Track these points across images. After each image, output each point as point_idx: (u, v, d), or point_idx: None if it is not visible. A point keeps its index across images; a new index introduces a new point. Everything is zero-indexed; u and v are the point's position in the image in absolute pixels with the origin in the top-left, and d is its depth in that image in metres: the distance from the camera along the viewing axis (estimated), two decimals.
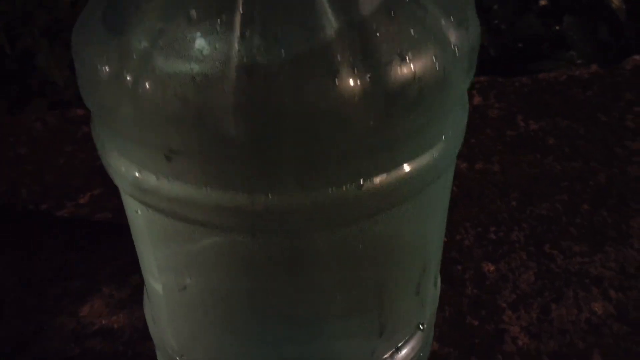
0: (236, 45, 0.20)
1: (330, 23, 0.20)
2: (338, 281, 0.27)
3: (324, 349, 0.29)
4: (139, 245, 0.29)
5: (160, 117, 0.21)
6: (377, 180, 0.23)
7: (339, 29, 0.20)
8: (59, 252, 0.46)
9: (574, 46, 0.68)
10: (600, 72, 0.61)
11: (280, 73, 0.20)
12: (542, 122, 0.56)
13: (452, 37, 0.22)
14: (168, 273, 0.28)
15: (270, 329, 0.28)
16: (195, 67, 0.20)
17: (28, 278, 0.44)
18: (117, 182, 0.26)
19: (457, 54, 0.22)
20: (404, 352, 0.32)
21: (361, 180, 0.23)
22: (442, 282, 0.36)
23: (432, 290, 0.33)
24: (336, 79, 0.20)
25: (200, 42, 0.20)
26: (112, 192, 0.26)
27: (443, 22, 0.22)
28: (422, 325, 0.33)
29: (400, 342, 0.32)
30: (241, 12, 0.20)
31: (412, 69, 0.21)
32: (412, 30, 0.21)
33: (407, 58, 0.21)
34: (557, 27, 0.70)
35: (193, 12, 0.20)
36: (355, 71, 0.20)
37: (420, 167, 0.24)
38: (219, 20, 0.20)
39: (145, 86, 0.21)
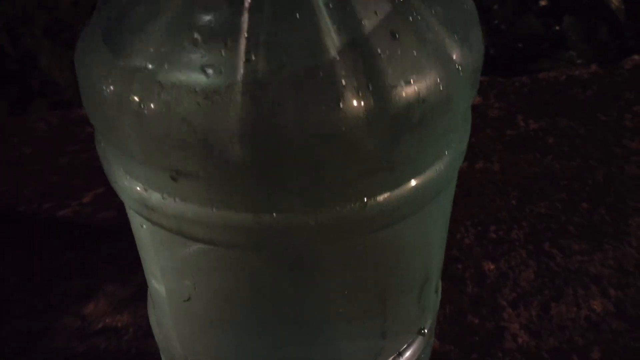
0: (241, 70, 0.20)
1: (335, 47, 0.20)
2: (341, 292, 0.27)
3: (326, 355, 0.30)
4: (143, 254, 0.29)
5: (165, 141, 0.21)
6: (381, 198, 0.23)
7: (344, 53, 0.20)
8: (62, 251, 0.46)
9: (573, 46, 0.68)
10: (600, 71, 0.62)
11: (285, 97, 0.20)
12: (541, 121, 0.56)
13: (456, 56, 0.22)
14: (173, 283, 0.28)
15: (275, 338, 0.28)
16: (200, 92, 0.20)
17: (32, 277, 0.44)
18: (123, 198, 0.25)
19: (461, 74, 0.22)
20: (405, 356, 0.32)
21: (365, 199, 0.23)
22: (442, 280, 0.36)
23: (434, 297, 0.33)
24: (341, 103, 0.20)
25: (205, 66, 0.20)
26: (115, 192, 0.26)
27: (447, 41, 0.22)
28: (424, 330, 0.33)
29: (402, 347, 0.32)
30: (246, 36, 0.20)
31: (416, 91, 0.21)
32: (416, 52, 0.21)
33: (411, 81, 0.21)
34: (557, 27, 0.70)
35: (198, 36, 0.20)
36: (360, 95, 0.20)
37: (424, 183, 0.24)
38: (224, 44, 0.20)
39: (151, 109, 0.20)
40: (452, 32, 0.22)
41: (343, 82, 0.20)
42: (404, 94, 0.21)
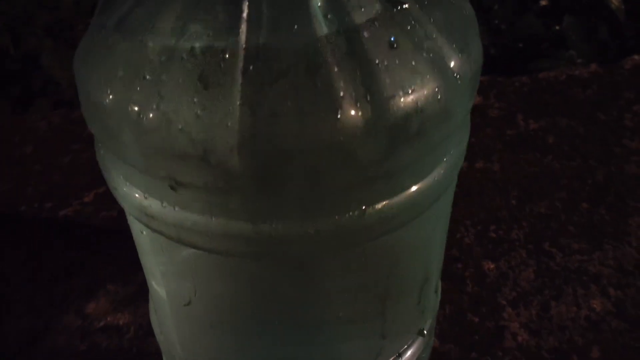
0: (239, 80, 0.20)
1: (333, 57, 0.20)
2: (340, 296, 0.27)
3: (326, 357, 0.30)
4: (143, 259, 0.29)
5: (164, 151, 0.21)
6: (380, 206, 0.23)
7: (342, 63, 0.20)
8: (64, 251, 0.46)
9: (573, 46, 0.68)
10: (600, 71, 0.62)
11: (283, 107, 0.20)
12: (541, 121, 0.56)
13: (455, 65, 0.22)
14: (173, 287, 0.28)
15: (274, 340, 0.28)
16: (199, 102, 0.20)
17: (33, 276, 0.45)
18: (122, 204, 0.26)
19: (459, 82, 0.22)
20: (405, 357, 0.32)
21: (364, 207, 0.23)
22: (442, 279, 0.36)
23: (433, 298, 0.33)
24: (339, 114, 0.20)
25: (203, 77, 0.20)
26: None
27: (446, 49, 0.22)
28: (424, 330, 0.33)
29: (401, 348, 0.32)
30: (244, 46, 0.20)
31: (414, 101, 0.21)
32: (414, 62, 0.21)
33: (409, 91, 0.21)
34: (557, 27, 0.70)
35: (196, 47, 0.20)
36: (358, 105, 0.20)
37: (423, 190, 0.24)
38: (222, 54, 0.20)
39: (149, 120, 0.21)
40: (451, 40, 0.22)
41: (341, 92, 0.20)
42: (402, 104, 0.21)
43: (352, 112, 0.20)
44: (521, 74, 0.62)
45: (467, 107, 0.24)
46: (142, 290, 0.32)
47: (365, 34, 0.21)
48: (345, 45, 0.20)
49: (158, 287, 0.29)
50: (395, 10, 0.22)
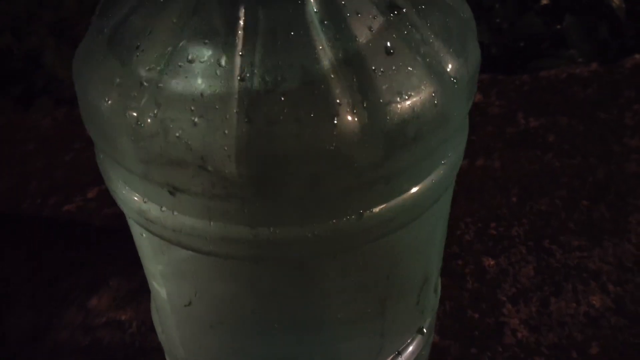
0: (236, 88, 0.20)
1: (330, 64, 0.20)
2: (340, 298, 0.27)
3: (326, 356, 0.30)
4: (143, 260, 0.29)
5: (162, 159, 0.21)
6: (378, 209, 0.23)
7: (338, 71, 0.20)
8: (67, 246, 0.47)
9: (574, 45, 0.68)
10: (600, 70, 0.62)
11: (280, 115, 0.20)
12: (542, 119, 0.56)
13: (452, 69, 0.22)
14: (173, 288, 0.28)
15: (274, 340, 0.29)
16: (196, 110, 0.20)
17: (36, 272, 0.45)
18: (122, 208, 0.26)
19: (456, 87, 0.22)
20: (405, 355, 0.32)
21: (361, 210, 0.23)
22: (442, 276, 0.36)
23: (433, 297, 0.33)
24: (335, 121, 0.20)
25: (200, 85, 0.20)
26: None
27: (443, 54, 0.22)
28: (423, 329, 0.33)
29: (401, 346, 0.32)
30: (241, 54, 0.20)
31: (411, 107, 0.21)
32: (411, 67, 0.21)
33: (406, 97, 0.21)
34: (558, 26, 0.71)
35: (193, 55, 0.20)
36: (355, 112, 0.20)
37: (421, 192, 0.24)
38: (218, 63, 0.20)
39: (147, 127, 0.21)
40: (448, 44, 0.22)
41: (338, 99, 0.20)
42: (398, 111, 0.21)
43: (349, 119, 0.20)
44: (522, 73, 0.62)
45: (464, 111, 0.24)
46: (144, 286, 0.32)
47: (362, 41, 0.21)
48: (341, 52, 0.20)
49: (158, 287, 0.29)
50: (392, 15, 0.22)
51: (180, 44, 0.21)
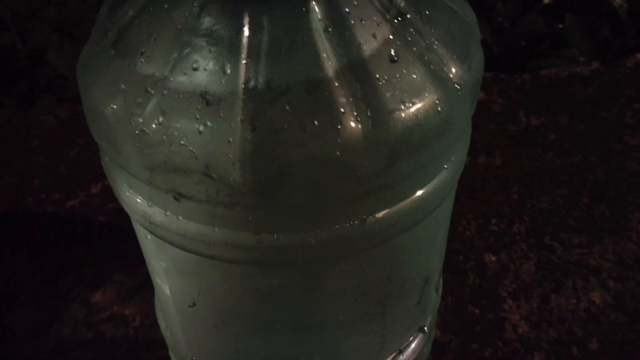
0: (241, 96, 0.20)
1: (334, 72, 0.20)
2: (341, 299, 0.27)
3: (327, 355, 0.30)
4: (148, 260, 0.29)
5: (166, 166, 0.21)
6: (380, 215, 0.23)
7: (342, 78, 0.20)
8: (71, 241, 0.47)
9: (575, 44, 0.68)
10: (601, 69, 0.62)
11: (284, 123, 0.20)
12: (543, 117, 0.57)
13: (456, 76, 0.22)
14: (178, 289, 0.28)
15: (277, 340, 0.29)
16: (201, 119, 0.20)
17: (40, 267, 0.45)
18: (127, 210, 0.26)
19: (460, 93, 0.22)
20: (406, 353, 0.33)
21: (364, 216, 0.23)
22: (444, 271, 0.36)
23: (434, 296, 0.33)
24: (339, 129, 0.20)
25: (205, 93, 0.20)
26: None
27: (447, 60, 0.22)
28: (424, 327, 0.33)
29: (402, 345, 0.32)
30: (245, 62, 0.20)
31: (415, 115, 0.21)
32: (415, 75, 0.21)
33: (410, 104, 0.21)
34: (559, 26, 0.71)
35: (197, 62, 0.20)
36: (358, 120, 0.20)
37: (424, 197, 0.24)
38: (223, 71, 0.20)
39: (152, 135, 0.21)
40: (452, 50, 0.22)
41: (342, 108, 0.20)
42: (402, 118, 0.21)
43: (353, 127, 0.20)
44: (523, 72, 0.62)
45: (467, 117, 0.24)
46: (147, 281, 0.32)
47: (366, 48, 0.21)
48: (345, 60, 0.20)
49: (163, 286, 0.29)
50: (396, 22, 0.21)
51: (185, 51, 0.21)
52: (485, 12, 0.71)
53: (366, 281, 0.26)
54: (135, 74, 0.21)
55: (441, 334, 0.40)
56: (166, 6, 0.21)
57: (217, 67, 0.20)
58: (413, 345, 0.33)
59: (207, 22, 0.20)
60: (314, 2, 0.20)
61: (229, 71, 0.20)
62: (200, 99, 0.20)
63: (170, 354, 0.36)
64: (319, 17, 0.20)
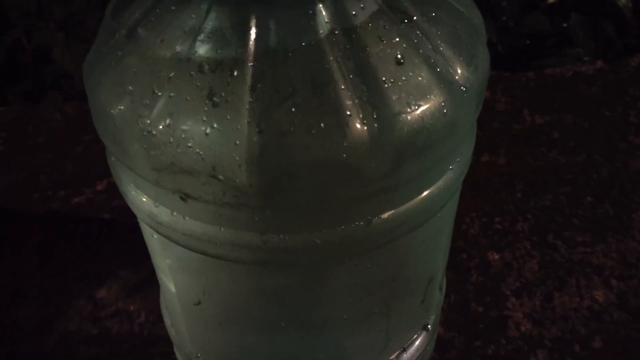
0: (248, 98, 0.20)
1: (340, 75, 0.20)
2: (346, 299, 0.27)
3: (331, 353, 0.30)
4: (154, 258, 0.29)
5: (173, 167, 0.21)
6: (386, 216, 0.23)
7: (349, 81, 0.20)
8: (77, 237, 0.47)
9: (580, 43, 0.68)
10: (606, 68, 0.62)
11: (290, 126, 0.20)
12: (547, 116, 0.57)
13: (461, 78, 0.22)
14: (183, 288, 0.29)
15: (282, 338, 0.29)
16: (208, 121, 0.20)
17: (47, 262, 0.45)
18: (133, 210, 0.26)
19: (465, 95, 0.22)
20: (410, 351, 0.33)
21: (369, 217, 0.23)
22: (448, 269, 0.37)
23: (438, 294, 0.33)
24: (345, 132, 0.20)
25: (212, 95, 0.20)
26: None
27: (453, 62, 0.22)
28: (428, 325, 0.33)
29: (406, 343, 0.33)
30: (251, 64, 0.20)
31: (421, 117, 0.21)
32: (421, 77, 0.21)
33: (416, 107, 0.21)
34: (564, 25, 0.71)
35: (205, 65, 0.20)
36: (365, 122, 0.20)
37: (429, 198, 0.24)
38: (230, 73, 0.20)
39: (159, 136, 0.21)
40: (458, 52, 0.22)
41: (347, 110, 0.20)
42: (408, 121, 0.21)
43: (359, 130, 0.20)
44: (528, 71, 0.62)
45: (473, 118, 0.24)
46: (153, 277, 0.32)
47: (372, 51, 0.21)
48: (352, 63, 0.20)
49: (168, 284, 0.29)
50: (402, 24, 0.21)
51: (192, 53, 0.21)
52: (490, 11, 0.71)
53: (371, 281, 0.27)
54: (142, 75, 0.21)
55: (444, 332, 0.40)
56: (173, 8, 0.21)
57: (224, 70, 0.20)
58: (417, 343, 0.33)
59: (214, 24, 0.21)
60: (320, 5, 0.20)
61: (235, 73, 0.20)
62: (207, 101, 0.20)
63: (175, 350, 0.36)
64: (326, 19, 0.20)
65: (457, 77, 0.22)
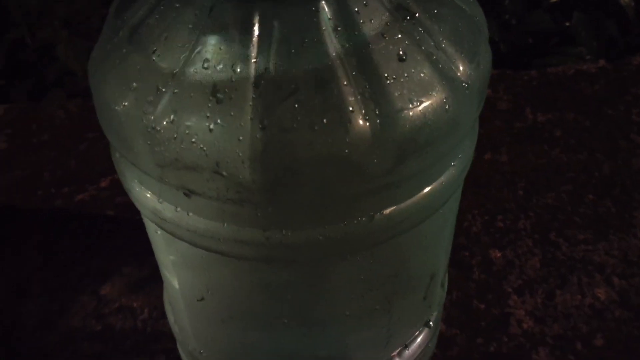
0: (250, 95, 0.20)
1: (343, 72, 0.20)
2: (348, 295, 0.27)
3: (333, 349, 0.30)
4: (158, 254, 0.30)
5: (177, 163, 0.21)
6: (388, 212, 0.23)
7: (352, 78, 0.20)
8: (80, 234, 0.47)
9: (582, 42, 0.68)
10: (608, 67, 0.62)
11: (293, 122, 0.20)
12: (549, 114, 0.57)
13: (463, 75, 0.22)
14: (187, 284, 0.29)
15: (284, 334, 0.29)
16: (211, 117, 0.20)
17: (50, 259, 0.46)
18: (137, 206, 0.26)
19: (467, 92, 0.22)
20: (411, 348, 0.33)
21: (372, 213, 0.23)
22: (450, 266, 0.37)
23: (440, 291, 0.34)
24: (348, 128, 0.20)
25: (216, 91, 0.20)
26: None
27: (455, 60, 0.22)
28: (430, 322, 0.34)
29: (408, 339, 0.33)
30: (255, 61, 0.20)
31: (423, 114, 0.21)
32: (423, 74, 0.21)
33: (418, 104, 0.21)
34: (567, 23, 0.71)
35: (208, 62, 0.20)
36: (367, 119, 0.20)
37: (431, 194, 0.24)
38: (233, 70, 0.20)
39: (163, 133, 0.21)
40: (460, 49, 0.22)
41: (350, 107, 0.20)
42: (410, 117, 0.21)
43: (361, 126, 0.20)
44: (530, 69, 0.62)
45: (475, 115, 0.24)
46: (156, 274, 0.32)
47: (375, 48, 0.21)
48: (354, 59, 0.20)
49: (172, 280, 0.29)
50: (404, 21, 0.22)
51: (196, 50, 0.21)
52: (493, 9, 0.71)
53: (373, 277, 0.27)
54: (146, 72, 0.21)
55: (446, 329, 0.40)
56: (177, 5, 0.22)
57: (227, 66, 0.20)
58: (419, 340, 0.33)
59: (217, 21, 0.21)
60: (323, 2, 0.21)
61: (239, 70, 0.20)
62: (210, 98, 0.20)
63: (179, 347, 0.36)
64: (329, 16, 0.21)
65: (459, 74, 0.22)
